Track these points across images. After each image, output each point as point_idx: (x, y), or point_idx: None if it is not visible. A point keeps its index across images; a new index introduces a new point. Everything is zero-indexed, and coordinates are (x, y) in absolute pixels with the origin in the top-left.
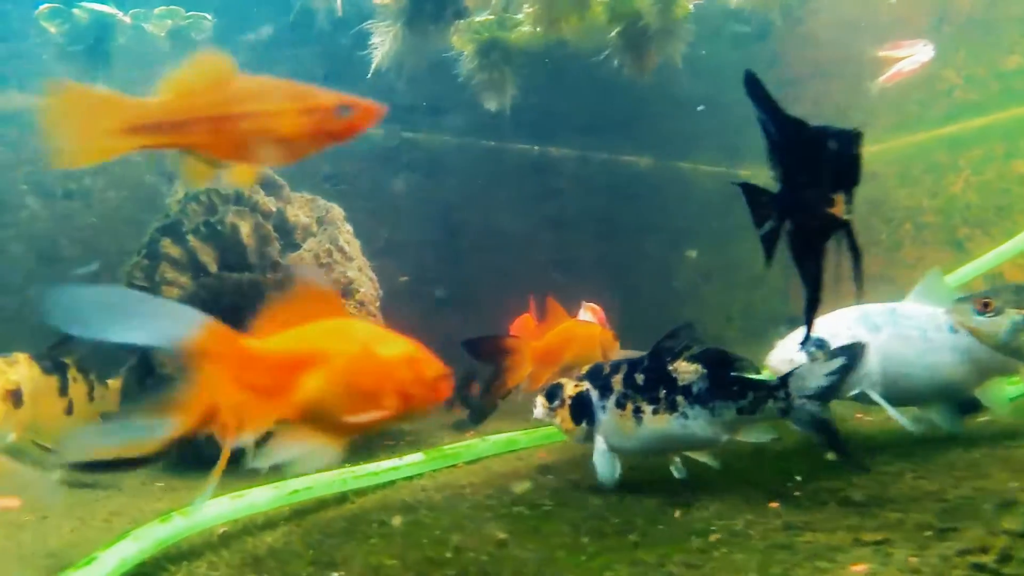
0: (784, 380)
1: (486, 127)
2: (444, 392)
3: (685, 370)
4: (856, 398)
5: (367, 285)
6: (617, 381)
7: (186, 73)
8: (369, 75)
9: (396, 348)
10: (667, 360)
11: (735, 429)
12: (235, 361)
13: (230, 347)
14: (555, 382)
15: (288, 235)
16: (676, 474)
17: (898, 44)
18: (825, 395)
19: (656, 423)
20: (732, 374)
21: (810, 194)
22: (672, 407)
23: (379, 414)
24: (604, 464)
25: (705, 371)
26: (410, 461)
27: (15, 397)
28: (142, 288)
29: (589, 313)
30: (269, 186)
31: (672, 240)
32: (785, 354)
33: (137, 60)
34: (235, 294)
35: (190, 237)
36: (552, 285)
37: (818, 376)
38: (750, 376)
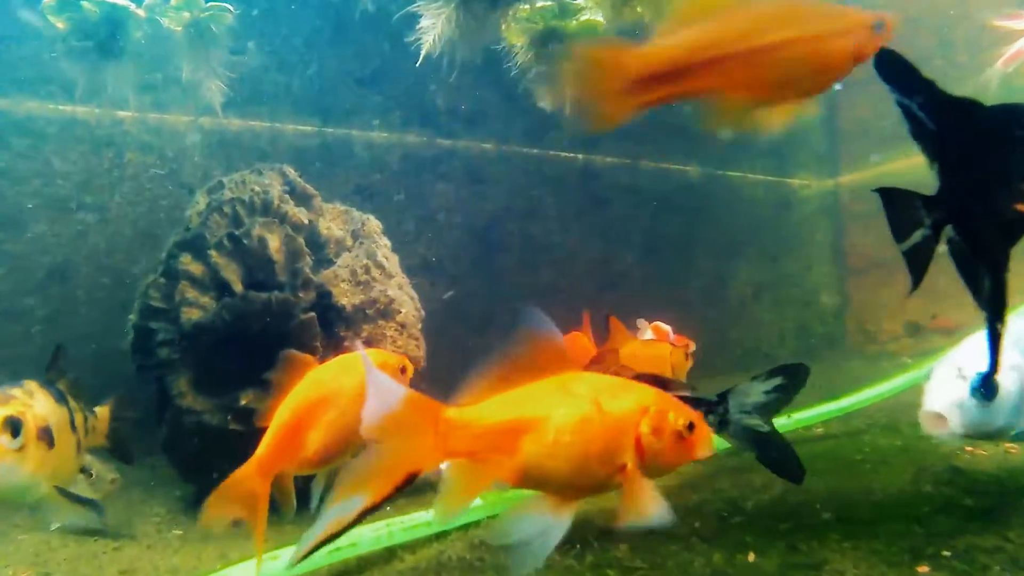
0: (723, 396)
1: (528, 134)
2: (697, 442)
3: None
4: (1017, 437)
5: (408, 305)
6: None
7: (688, 5)
8: (418, 63)
9: (630, 400)
10: None
11: None
12: (438, 433)
13: (432, 419)
14: None
15: (320, 250)
16: None
17: (1019, 14)
18: (763, 410)
19: None
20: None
21: (986, 190)
22: None
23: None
24: None
25: None
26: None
27: (47, 436)
28: (159, 310)
29: (653, 332)
30: (299, 196)
31: (722, 253)
32: (950, 396)
33: (152, 57)
34: (263, 316)
35: (212, 252)
36: (599, 301)
37: (757, 393)
38: (687, 395)
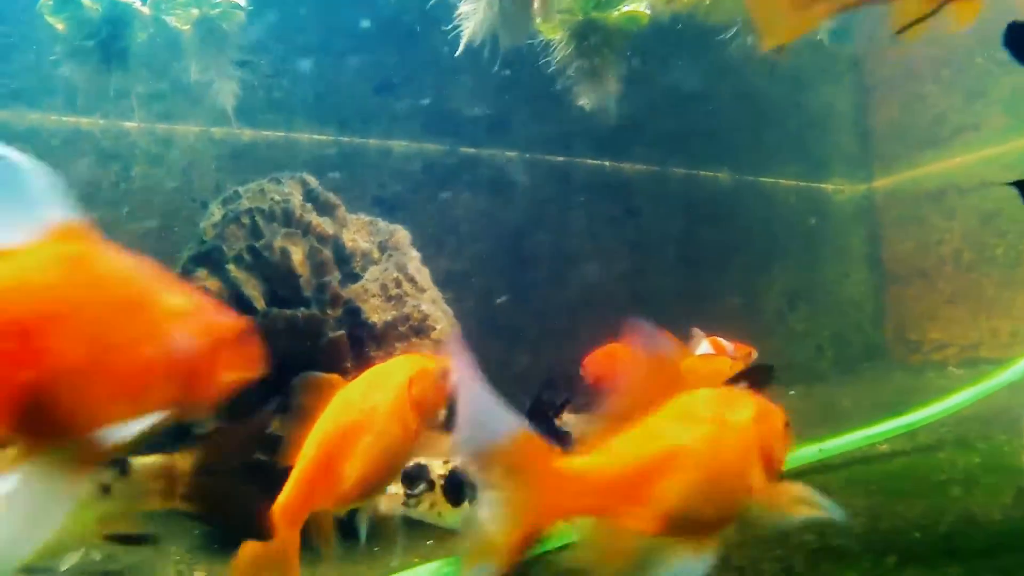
0: None
1: (553, 141)
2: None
3: (577, 422)
4: None
5: (443, 321)
6: None
7: None
8: (458, 53)
9: (747, 411)
10: (551, 415)
11: None
12: (548, 487)
13: (545, 468)
14: (418, 461)
15: (345, 264)
16: None
17: None
18: None
19: None
20: None
21: None
22: None
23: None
24: None
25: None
26: None
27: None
28: None
29: (709, 345)
30: (321, 206)
31: (755, 262)
32: None
33: (159, 62)
34: (288, 335)
35: (231, 266)
36: (631, 314)
37: None
38: None
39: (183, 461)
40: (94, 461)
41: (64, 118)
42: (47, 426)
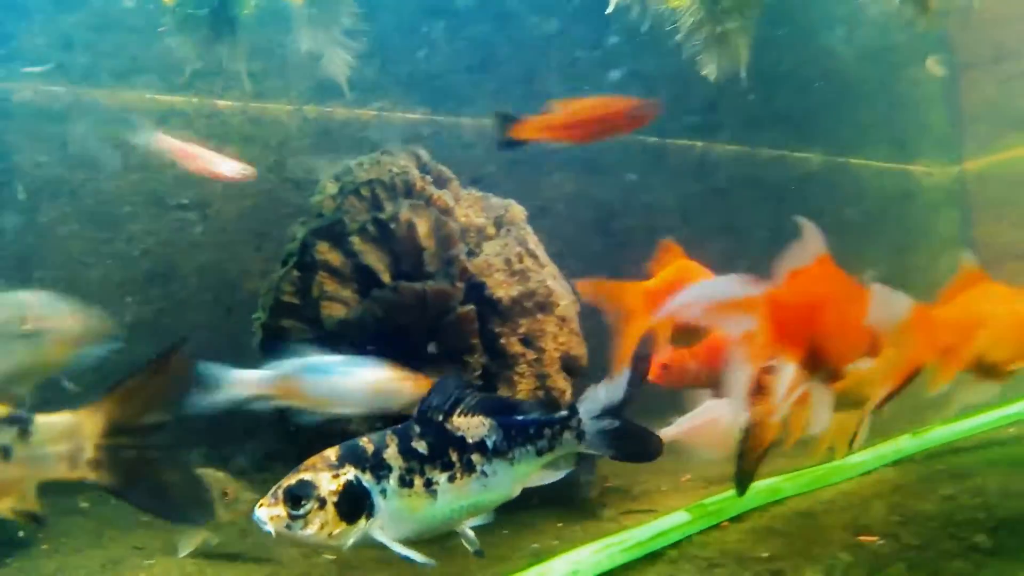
0: (573, 407)
1: None
2: None
3: (471, 425)
4: None
5: (566, 297)
6: (393, 456)
7: None
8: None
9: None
10: (442, 420)
11: (531, 475)
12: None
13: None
14: (300, 477)
15: (460, 239)
16: (471, 548)
17: None
18: (614, 411)
19: (455, 491)
20: (521, 417)
21: None
22: (470, 468)
23: None
24: (414, 554)
25: (493, 421)
26: (673, 523)
27: None
28: (292, 306)
29: None
30: (435, 180)
31: (844, 245)
32: None
33: (267, 27)
34: (415, 310)
35: (354, 239)
36: None
37: (602, 397)
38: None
39: (91, 420)
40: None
41: (159, 96)
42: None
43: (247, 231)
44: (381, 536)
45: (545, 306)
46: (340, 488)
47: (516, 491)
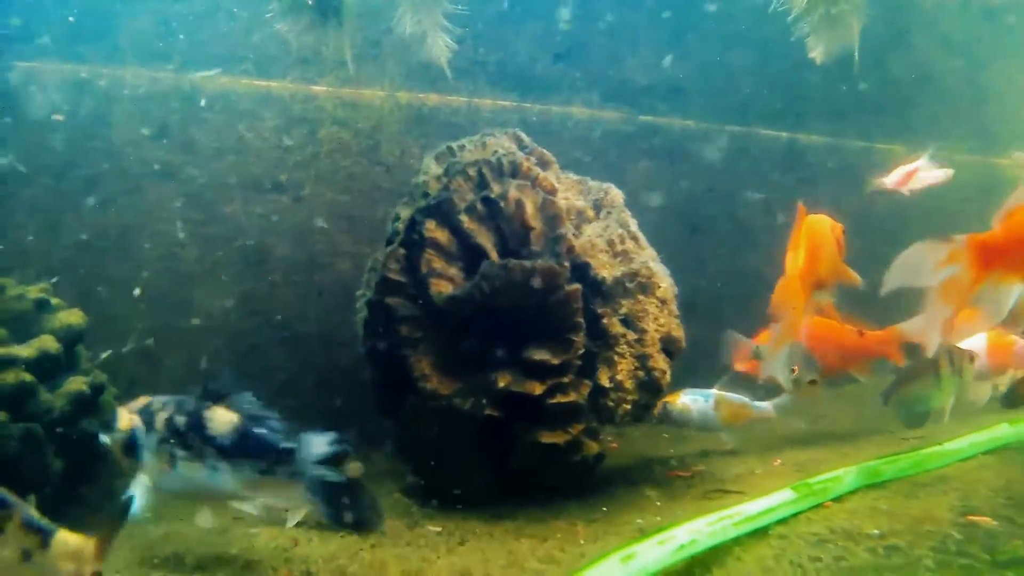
0: (289, 448)
1: (730, 111)
2: None
3: (221, 419)
4: None
5: (666, 280)
6: (160, 422)
7: None
8: None
9: None
10: (208, 406)
11: (256, 489)
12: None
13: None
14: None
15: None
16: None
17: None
18: (334, 460)
19: (187, 469)
20: (257, 431)
21: None
22: (200, 456)
23: None
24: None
25: (239, 424)
26: (781, 500)
27: None
28: (398, 284)
29: None
30: (538, 162)
31: (928, 237)
32: None
33: (367, 13)
34: (522, 288)
35: (463, 217)
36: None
37: (321, 444)
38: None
39: (91, 547)
40: None
41: (256, 82)
42: None
43: (338, 214)
44: (144, 481)
45: (646, 287)
46: (128, 428)
47: (249, 497)
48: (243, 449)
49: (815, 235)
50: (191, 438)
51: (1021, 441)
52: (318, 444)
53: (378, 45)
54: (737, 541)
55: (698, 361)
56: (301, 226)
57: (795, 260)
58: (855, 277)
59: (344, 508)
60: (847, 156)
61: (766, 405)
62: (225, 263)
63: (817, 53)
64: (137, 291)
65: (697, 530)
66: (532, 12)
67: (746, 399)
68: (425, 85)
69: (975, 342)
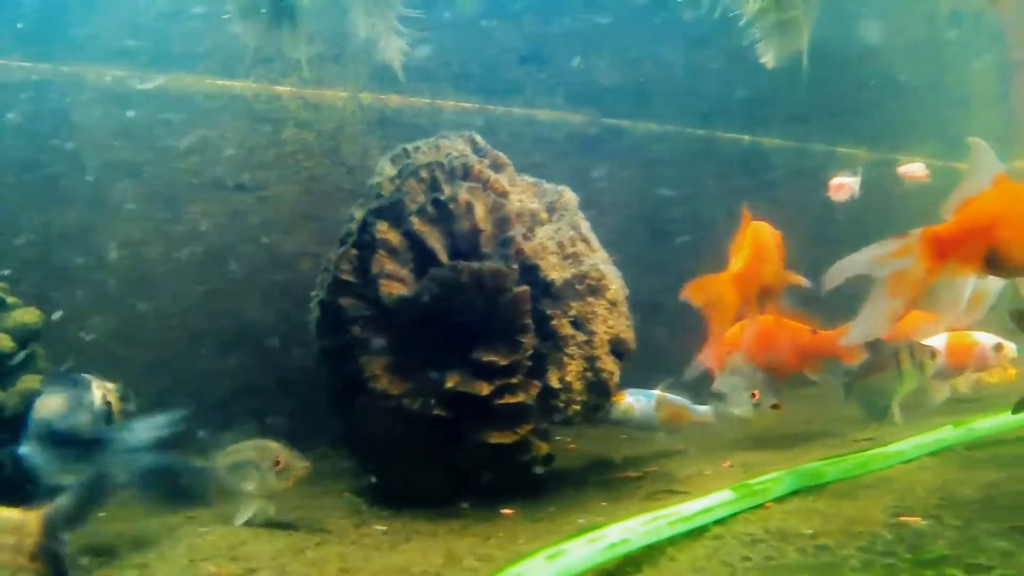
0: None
1: (693, 114)
2: None
3: (47, 406)
4: None
5: (616, 282)
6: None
7: None
8: None
9: None
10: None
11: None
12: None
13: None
14: None
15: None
16: None
17: None
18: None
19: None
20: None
21: None
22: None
23: None
24: None
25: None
26: (718, 501)
27: None
28: (350, 284)
29: None
30: (492, 164)
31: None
32: None
33: (327, 14)
34: (471, 289)
35: (414, 219)
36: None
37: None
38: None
39: (33, 520)
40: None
41: (219, 81)
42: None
43: (301, 215)
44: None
45: (596, 289)
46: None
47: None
48: (58, 436)
49: (759, 240)
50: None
51: (964, 443)
52: (139, 430)
53: (341, 46)
54: (672, 541)
55: (659, 361)
56: (263, 226)
57: (737, 263)
58: (799, 279)
59: (168, 488)
60: (808, 160)
61: (705, 409)
62: (187, 263)
63: (768, 58)
64: (84, 298)
65: (630, 529)
66: (497, 14)
67: (687, 402)
68: (388, 87)
69: (935, 342)
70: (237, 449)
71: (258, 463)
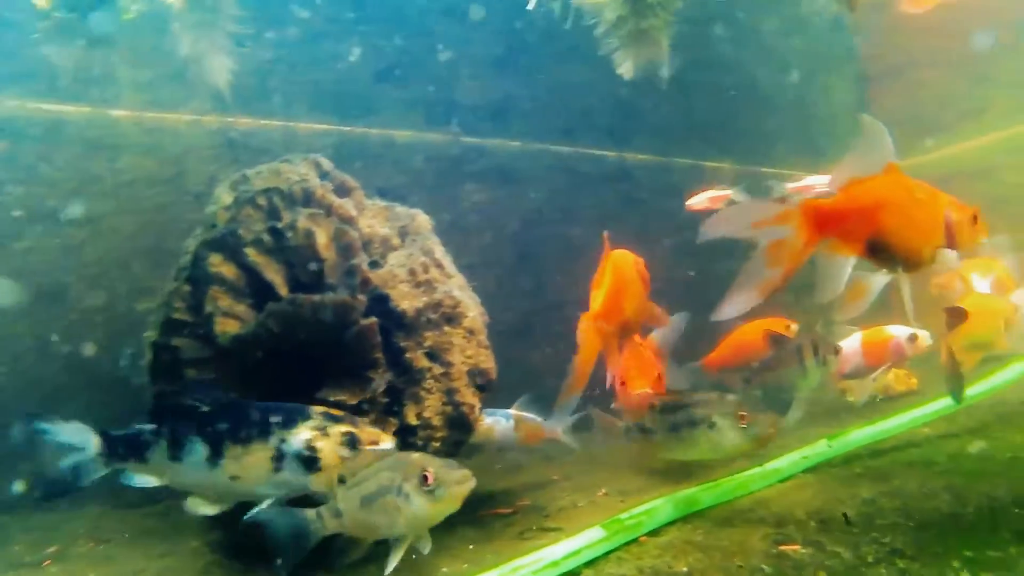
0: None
1: (557, 130)
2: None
3: None
4: None
5: (474, 309)
6: None
7: None
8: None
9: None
10: None
11: None
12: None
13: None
14: None
15: (364, 250)
16: None
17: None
18: None
19: None
20: None
21: None
22: None
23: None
24: None
25: None
26: (588, 541)
27: None
28: (184, 323)
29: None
30: (338, 189)
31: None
32: None
33: (147, 35)
34: (314, 324)
35: (249, 251)
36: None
37: None
38: None
39: None
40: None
41: (45, 105)
42: (880, 252)
43: (141, 248)
44: None
45: (452, 318)
46: None
47: None
48: None
49: (618, 274)
50: None
51: (839, 457)
52: None
53: (180, 65)
54: None
55: (530, 386)
56: (100, 262)
57: (597, 299)
58: (662, 317)
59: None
60: (675, 175)
61: (558, 425)
62: (15, 305)
63: (625, 68)
64: None
65: None
66: (351, 31)
67: (540, 420)
68: (236, 108)
69: (849, 340)
70: (365, 475)
71: (400, 484)
